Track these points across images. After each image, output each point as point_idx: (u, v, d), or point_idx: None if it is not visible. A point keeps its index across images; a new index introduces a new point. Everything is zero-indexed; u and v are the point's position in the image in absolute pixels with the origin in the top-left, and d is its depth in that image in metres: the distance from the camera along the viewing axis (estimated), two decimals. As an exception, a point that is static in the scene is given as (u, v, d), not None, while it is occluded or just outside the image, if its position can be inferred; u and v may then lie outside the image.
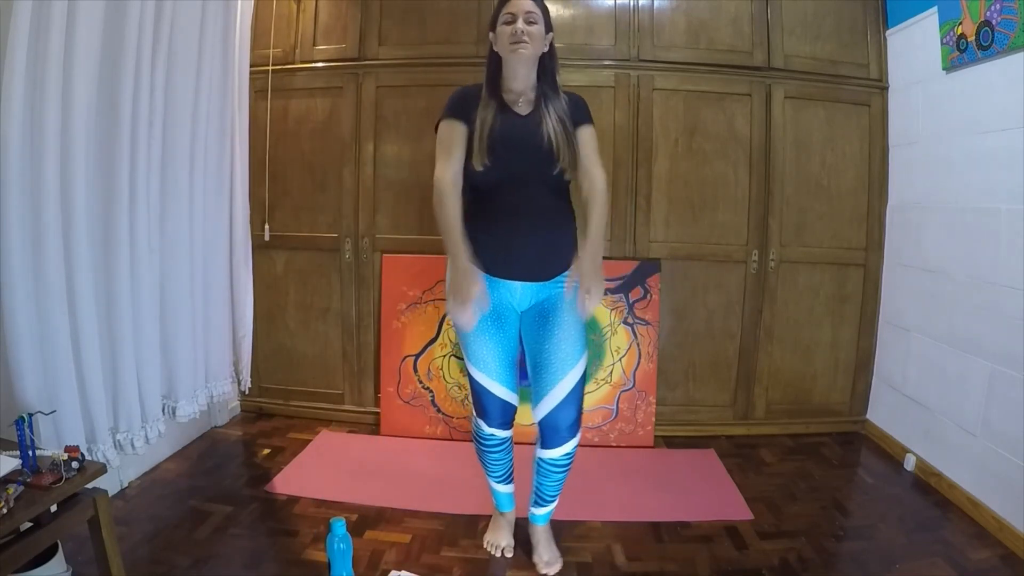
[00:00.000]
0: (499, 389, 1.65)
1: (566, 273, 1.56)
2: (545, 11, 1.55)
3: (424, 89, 2.60)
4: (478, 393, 1.67)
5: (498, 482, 1.79)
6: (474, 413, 1.73)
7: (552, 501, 1.73)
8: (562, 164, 1.50)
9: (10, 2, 1.42)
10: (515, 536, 1.82)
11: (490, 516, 1.88)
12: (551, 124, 1.52)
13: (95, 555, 1.38)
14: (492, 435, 1.71)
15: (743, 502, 2.09)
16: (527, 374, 1.67)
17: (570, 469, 1.69)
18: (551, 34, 1.57)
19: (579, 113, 1.58)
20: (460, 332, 1.63)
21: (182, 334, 2.12)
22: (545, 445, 1.65)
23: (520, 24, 1.49)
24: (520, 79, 1.55)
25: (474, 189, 1.57)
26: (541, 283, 1.57)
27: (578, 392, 1.60)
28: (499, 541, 1.79)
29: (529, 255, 1.55)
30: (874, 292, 2.67)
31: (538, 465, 1.69)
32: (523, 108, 1.56)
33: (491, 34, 1.57)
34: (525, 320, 1.63)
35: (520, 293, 1.59)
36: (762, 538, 1.88)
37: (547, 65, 1.57)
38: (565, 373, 1.57)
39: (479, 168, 1.50)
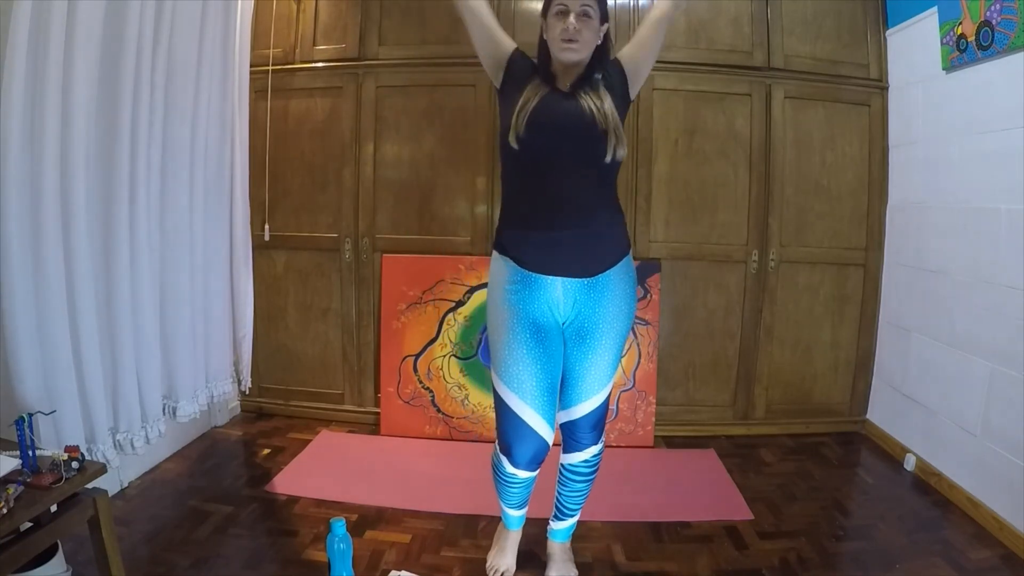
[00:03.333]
0: (534, 419, 1.45)
1: (610, 275, 1.45)
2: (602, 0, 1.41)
3: (424, 89, 2.60)
4: (506, 421, 1.48)
5: (511, 508, 1.66)
6: (496, 445, 1.55)
7: (572, 515, 1.66)
8: (607, 135, 1.36)
9: (10, 2, 1.42)
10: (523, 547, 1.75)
11: (490, 516, 1.87)
12: (589, 95, 1.39)
13: (95, 555, 1.38)
14: (514, 475, 1.53)
15: (743, 502, 2.09)
16: None
17: (593, 482, 1.62)
18: (607, 24, 1.43)
19: (611, 45, 1.48)
20: (494, 344, 1.48)
21: (182, 334, 2.12)
22: (566, 449, 1.58)
23: (572, 20, 1.35)
24: (568, 69, 1.43)
25: (511, 176, 1.47)
26: (584, 282, 1.43)
27: (603, 407, 1.54)
28: (499, 565, 1.68)
29: (571, 248, 1.41)
30: (874, 292, 2.67)
31: (560, 472, 1.62)
32: (567, 87, 1.44)
33: (542, 20, 1.44)
34: (565, 334, 1.50)
35: (562, 294, 1.43)
36: (762, 538, 1.88)
37: (599, 58, 1.43)
38: (595, 392, 1.50)
39: (515, 145, 1.37)
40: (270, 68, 2.63)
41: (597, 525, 1.93)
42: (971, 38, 2.05)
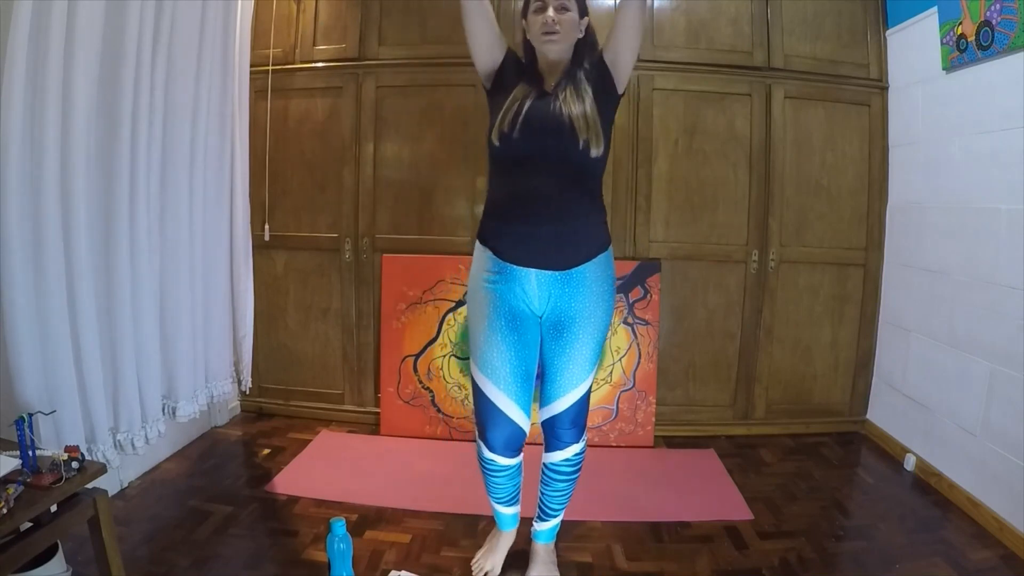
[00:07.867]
0: (508, 405, 1.48)
1: (585, 270, 1.46)
2: None
3: (424, 89, 2.60)
4: (482, 408, 1.50)
5: (500, 503, 1.66)
6: (475, 432, 1.58)
7: (555, 515, 1.65)
8: (583, 136, 1.37)
9: (10, 2, 1.42)
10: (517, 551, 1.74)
11: (490, 516, 1.85)
12: (568, 96, 1.41)
13: (95, 555, 1.38)
14: (493, 461, 1.54)
15: (743, 502, 2.09)
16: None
17: (576, 481, 1.62)
18: (587, 19, 1.47)
19: (594, 38, 1.48)
20: (472, 331, 1.51)
21: (182, 334, 2.12)
22: (548, 448, 1.58)
23: (551, 13, 1.39)
24: (553, 67, 1.47)
25: (493, 170, 1.52)
26: (558, 276, 1.44)
27: (583, 402, 1.55)
28: (484, 564, 1.68)
29: (546, 241, 1.42)
30: (874, 292, 2.67)
31: (542, 472, 1.62)
32: (550, 87, 1.48)
33: (523, 21, 1.48)
34: (543, 328, 1.52)
35: (536, 286, 1.45)
36: (762, 538, 1.88)
37: (581, 52, 1.46)
38: (574, 386, 1.51)
39: (496, 142, 1.43)
40: (270, 68, 2.63)
41: (597, 525, 1.93)
42: (971, 38, 2.05)
